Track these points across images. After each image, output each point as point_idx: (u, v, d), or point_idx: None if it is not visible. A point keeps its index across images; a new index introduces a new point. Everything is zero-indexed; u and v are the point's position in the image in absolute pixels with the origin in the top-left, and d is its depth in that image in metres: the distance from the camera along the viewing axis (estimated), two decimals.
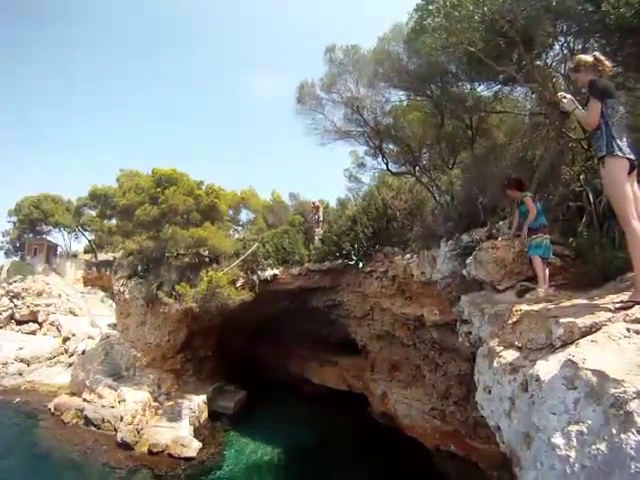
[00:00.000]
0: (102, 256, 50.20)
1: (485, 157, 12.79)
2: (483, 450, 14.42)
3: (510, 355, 5.04)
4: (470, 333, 7.89)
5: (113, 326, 30.99)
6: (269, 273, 21.13)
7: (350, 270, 19.22)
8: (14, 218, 50.24)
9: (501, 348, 5.30)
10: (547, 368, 4.02)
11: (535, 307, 5.57)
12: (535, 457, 3.75)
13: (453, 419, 16.09)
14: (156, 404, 22.41)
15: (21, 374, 30.47)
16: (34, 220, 48.29)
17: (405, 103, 15.24)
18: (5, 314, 39.71)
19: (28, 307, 40.53)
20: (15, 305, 40.55)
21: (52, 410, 23.81)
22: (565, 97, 5.09)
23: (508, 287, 7.33)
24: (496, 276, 7.49)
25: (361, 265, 18.30)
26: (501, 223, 9.04)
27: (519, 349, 5.02)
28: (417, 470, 16.68)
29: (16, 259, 50.32)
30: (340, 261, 19.23)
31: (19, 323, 39.89)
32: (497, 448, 12.51)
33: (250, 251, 21.47)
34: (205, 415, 22.81)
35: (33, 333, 38.49)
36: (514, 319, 5.50)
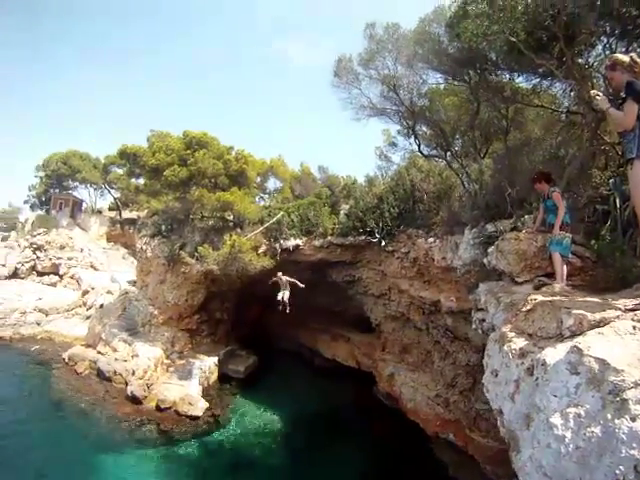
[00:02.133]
0: (126, 214, 50.72)
1: (518, 150, 12.58)
2: (480, 443, 14.60)
3: (520, 341, 5.13)
4: (484, 320, 7.93)
5: (133, 283, 31.39)
6: (292, 243, 21.36)
7: (372, 247, 19.33)
8: (41, 173, 51.07)
9: (513, 334, 5.38)
10: (554, 354, 4.14)
11: (549, 298, 5.63)
12: (533, 436, 3.91)
13: (456, 408, 16.21)
14: (168, 361, 22.85)
15: (39, 324, 31.12)
16: (61, 176, 48.98)
17: (442, 87, 15.06)
18: (27, 265, 40.34)
19: (50, 259, 41.25)
20: (37, 257, 41.22)
21: (66, 360, 24.38)
22: (599, 95, 5.01)
23: (526, 280, 7.31)
24: (516, 268, 7.48)
25: (384, 243, 18.38)
26: (527, 217, 8.95)
27: (530, 336, 5.12)
28: (414, 454, 16.87)
29: (41, 213, 51.05)
30: (363, 237, 19.36)
31: (40, 275, 40.57)
32: (494, 442, 12.76)
33: (275, 219, 21.66)
34: (215, 377, 23.18)
35: (53, 285, 39.18)
36: (528, 307, 5.57)
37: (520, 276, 7.41)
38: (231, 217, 23.33)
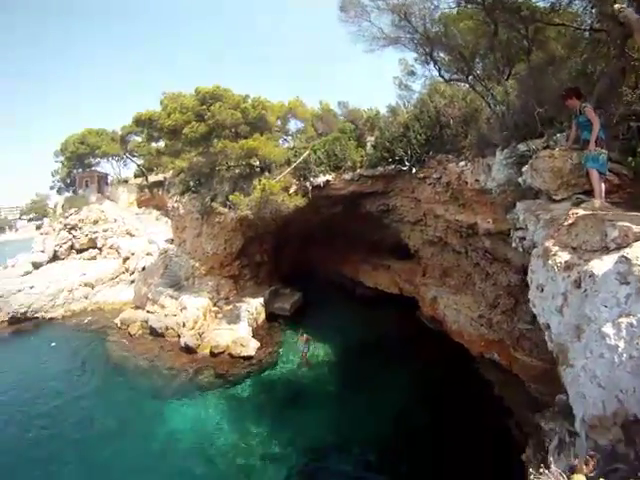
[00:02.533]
0: (153, 178, 50.40)
1: (542, 69, 12.02)
2: (524, 362, 14.75)
3: (565, 255, 5.27)
4: (524, 239, 8.03)
5: (170, 241, 32.13)
6: (321, 179, 21.42)
7: (403, 176, 19.24)
8: (61, 157, 51.20)
9: (556, 248, 5.51)
10: (601, 265, 4.30)
11: (591, 212, 5.72)
12: (585, 347, 4.10)
13: (499, 328, 16.28)
14: (216, 309, 23.68)
15: (87, 297, 32.16)
16: (81, 155, 48.80)
17: (455, 11, 14.48)
18: (65, 246, 40.94)
19: (86, 236, 41.89)
20: (74, 236, 41.85)
21: (119, 325, 25.44)
22: (623, 7, 4.83)
23: (564, 198, 7.32)
24: (552, 185, 7.46)
25: (414, 171, 18.27)
26: (559, 135, 8.79)
27: (574, 250, 5.23)
28: (460, 374, 17.23)
29: (69, 194, 51.79)
30: (393, 167, 19.26)
31: (79, 252, 41.25)
32: (538, 362, 12.93)
33: (301, 158, 21.73)
34: (263, 317, 24.03)
35: (94, 259, 39.97)
36: (570, 221, 5.67)
37: (557, 194, 7.44)
38: (257, 163, 23.44)
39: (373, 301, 25.04)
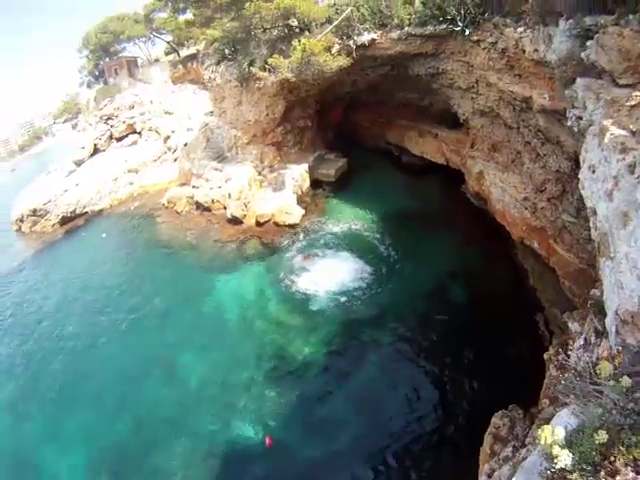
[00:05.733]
0: (185, 52, 49.00)
1: None
2: (563, 257, 14.31)
3: (622, 136, 5.07)
4: (581, 118, 7.62)
5: (210, 113, 31.43)
6: (366, 38, 20.01)
7: (455, 37, 17.76)
8: (85, 52, 50.53)
9: (614, 128, 5.31)
10: None
11: None
12: (630, 235, 4.10)
13: (543, 216, 15.67)
14: (260, 177, 23.63)
15: (132, 183, 32.68)
16: (105, 44, 48.22)
17: None
18: (104, 137, 40.87)
19: (124, 122, 41.58)
20: (111, 126, 41.71)
21: (165, 204, 25.90)
22: None
23: (628, 84, 6.71)
24: (618, 67, 6.89)
25: (467, 32, 16.67)
26: (631, 17, 7.70)
27: (632, 134, 5.03)
28: (499, 256, 17.55)
29: (99, 86, 51.18)
30: (444, 26, 17.71)
31: (119, 140, 41.13)
32: (576, 259, 13.43)
33: (344, 15, 20.22)
34: (307, 184, 23.90)
35: (135, 144, 39.80)
36: (633, 102, 5.49)
37: (622, 77, 6.98)
38: (296, 23, 22.03)
39: (419, 170, 24.47)
